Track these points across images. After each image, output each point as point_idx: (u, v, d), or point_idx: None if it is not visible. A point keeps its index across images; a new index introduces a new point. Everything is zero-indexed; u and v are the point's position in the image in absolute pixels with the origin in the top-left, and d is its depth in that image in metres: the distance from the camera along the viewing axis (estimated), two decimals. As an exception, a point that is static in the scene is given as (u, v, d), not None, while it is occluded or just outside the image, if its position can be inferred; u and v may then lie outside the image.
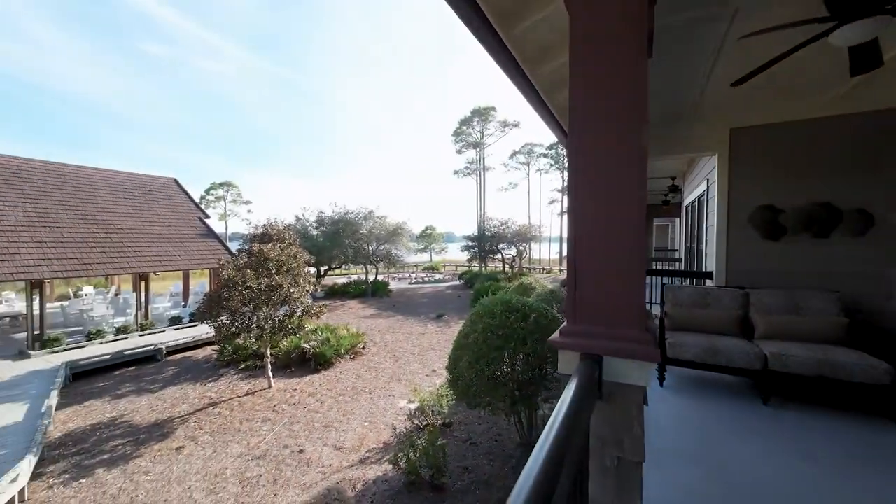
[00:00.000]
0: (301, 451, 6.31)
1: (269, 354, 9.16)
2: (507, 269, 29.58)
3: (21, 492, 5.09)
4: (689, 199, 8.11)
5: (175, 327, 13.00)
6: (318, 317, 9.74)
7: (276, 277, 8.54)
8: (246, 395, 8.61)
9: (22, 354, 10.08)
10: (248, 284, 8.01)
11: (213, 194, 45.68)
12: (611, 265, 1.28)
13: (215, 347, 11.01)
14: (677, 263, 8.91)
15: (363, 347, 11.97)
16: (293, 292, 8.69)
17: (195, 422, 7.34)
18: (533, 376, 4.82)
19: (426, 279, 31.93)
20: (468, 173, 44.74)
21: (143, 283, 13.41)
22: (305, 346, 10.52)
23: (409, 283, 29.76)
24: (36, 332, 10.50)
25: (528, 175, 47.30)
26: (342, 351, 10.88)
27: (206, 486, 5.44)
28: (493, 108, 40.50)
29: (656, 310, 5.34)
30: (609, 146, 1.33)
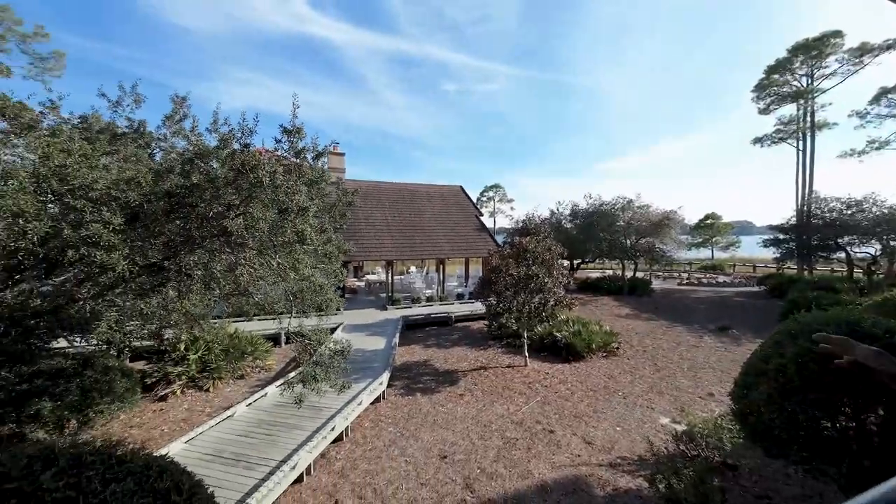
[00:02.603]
0: (551, 432, 6.72)
1: (525, 336, 10.23)
2: (856, 274, 19.41)
3: (383, 393, 8.12)
4: None
5: (460, 301, 16.73)
6: (570, 308, 9.94)
7: (533, 267, 9.35)
8: (506, 367, 10.00)
9: (383, 308, 15.91)
10: (510, 272, 9.20)
11: (485, 195, 54.89)
12: None
13: (485, 322, 13.34)
14: None
15: (617, 348, 11.20)
16: (547, 282, 9.26)
17: (471, 378, 9.25)
18: (906, 447, 3.03)
19: (704, 280, 25.84)
20: (779, 139, 31.90)
21: (441, 266, 18.06)
22: (557, 334, 10.98)
23: (679, 284, 25.02)
24: (389, 295, 16.28)
25: (919, 123, 28.70)
26: (593, 346, 10.62)
27: (478, 430, 6.80)
28: (836, 35, 26.77)
29: None
30: None
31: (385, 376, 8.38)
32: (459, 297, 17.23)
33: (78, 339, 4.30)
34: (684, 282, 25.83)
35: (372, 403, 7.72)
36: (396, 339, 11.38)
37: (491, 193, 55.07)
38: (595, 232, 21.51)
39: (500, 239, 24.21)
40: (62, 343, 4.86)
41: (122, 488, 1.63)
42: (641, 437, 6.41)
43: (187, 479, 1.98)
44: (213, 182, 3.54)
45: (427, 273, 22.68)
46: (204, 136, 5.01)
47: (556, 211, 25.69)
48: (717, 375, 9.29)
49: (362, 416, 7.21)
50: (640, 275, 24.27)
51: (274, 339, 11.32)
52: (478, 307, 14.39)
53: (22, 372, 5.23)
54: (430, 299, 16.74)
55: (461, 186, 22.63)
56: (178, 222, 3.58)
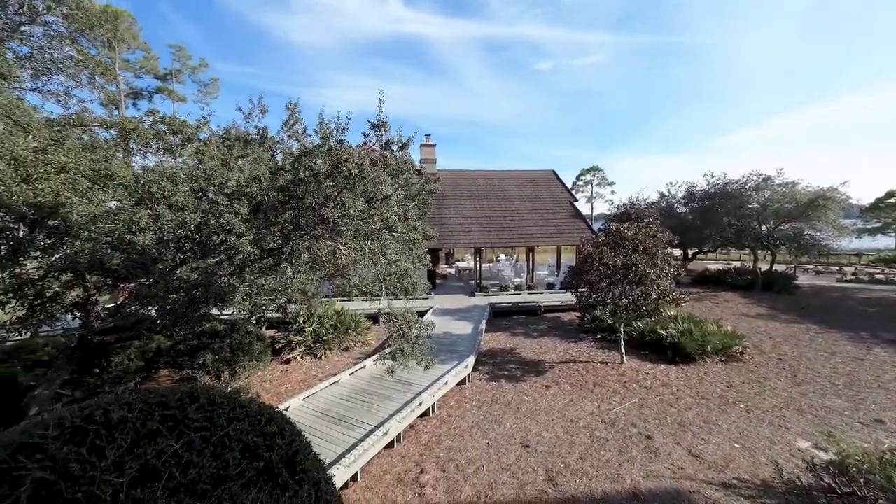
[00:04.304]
0: (649, 438, 6.09)
1: (622, 331, 9.36)
2: None
3: (468, 376, 8.35)
4: None
5: (550, 291, 16.09)
6: (678, 304, 8.74)
7: (632, 256, 8.44)
8: (599, 362, 9.33)
9: (471, 294, 16.21)
10: (604, 261, 8.47)
11: (582, 179, 51.08)
12: None
13: (577, 314, 12.59)
14: None
15: (741, 352, 9.51)
16: (649, 273, 8.27)
17: (559, 370, 8.88)
18: None
19: (880, 277, 20.08)
20: None
21: (530, 254, 17.55)
22: (662, 332, 9.80)
23: (838, 280, 19.93)
24: (477, 282, 16.50)
25: None
26: (708, 349, 9.19)
27: (563, 425, 6.53)
28: None
29: None
30: None
31: (471, 360, 8.58)
32: (550, 286, 16.55)
33: (221, 308, 5.42)
34: (847, 277, 20.38)
35: (457, 385, 8.00)
36: (483, 326, 11.52)
37: (588, 177, 50.94)
38: (717, 216, 18.32)
39: (598, 226, 22.40)
40: (215, 311, 6.15)
41: (240, 427, 2.03)
42: (767, 460, 5.38)
43: (289, 428, 2.36)
44: (315, 176, 4.03)
45: (516, 261, 22.29)
46: (311, 137, 5.71)
47: (666, 193, 22.63)
48: (893, 399, 7.22)
49: (448, 396, 7.53)
50: (779, 268, 19.97)
51: (374, 319, 12.50)
52: (569, 298, 13.62)
53: (195, 331, 6.83)
54: (518, 288, 16.46)
55: (553, 171, 21.46)
56: (289, 212, 4.18)
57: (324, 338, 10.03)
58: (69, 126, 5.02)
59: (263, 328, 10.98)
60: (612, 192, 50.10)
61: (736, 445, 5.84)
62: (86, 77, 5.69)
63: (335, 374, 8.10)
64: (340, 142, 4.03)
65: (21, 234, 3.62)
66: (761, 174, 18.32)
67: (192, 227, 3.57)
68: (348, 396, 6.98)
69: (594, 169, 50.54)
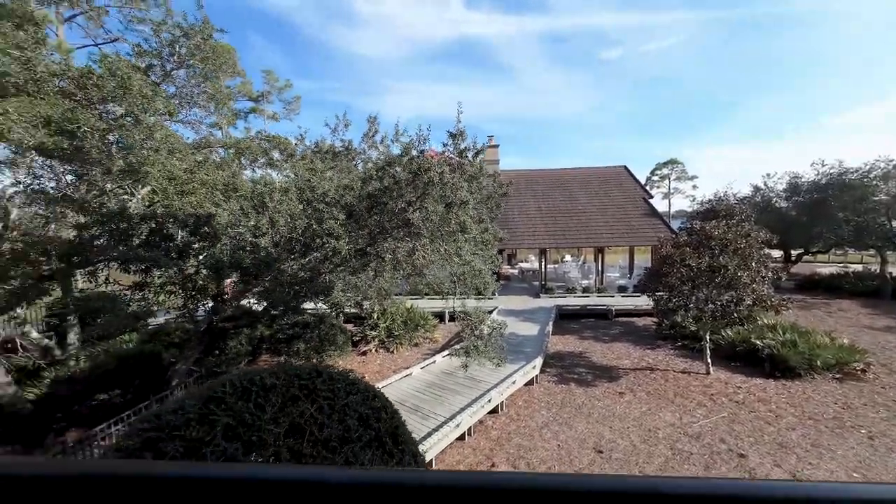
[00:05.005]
0: (742, 456, 5.58)
1: (707, 339, 8.59)
2: None
3: (535, 377, 8.32)
4: None
5: (622, 294, 15.21)
6: (777, 311, 7.79)
7: (720, 258, 7.73)
8: (681, 372, 8.67)
9: (536, 296, 15.96)
10: (687, 262, 7.87)
11: (657, 174, 47.02)
12: None
13: (654, 319, 11.78)
14: None
15: (862, 370, 8.16)
16: (741, 276, 7.51)
17: (634, 377, 8.44)
18: None
19: None
20: None
21: (599, 255, 16.75)
22: (757, 342, 8.80)
23: None
24: (542, 283, 16.19)
25: None
26: (817, 363, 8.05)
27: (640, 434, 6.24)
28: None
29: None
30: None
31: (538, 361, 8.54)
32: (621, 289, 15.64)
33: (317, 302, 6.15)
34: None
35: (525, 385, 8.03)
36: (550, 327, 11.33)
37: (665, 171, 46.69)
38: (829, 211, 15.77)
39: (677, 224, 20.63)
40: (308, 305, 6.98)
41: (355, 399, 2.43)
42: (899, 495, 4.62)
43: (390, 406, 2.72)
44: (398, 184, 4.45)
45: (583, 262, 21.40)
46: (389, 146, 6.23)
47: (762, 186, 20.01)
48: None
49: (515, 395, 7.60)
50: (918, 272, 16.51)
51: (440, 317, 12.97)
52: (644, 301, 12.78)
53: (292, 321, 7.81)
54: (586, 290, 15.82)
55: (625, 167, 20.20)
56: (375, 217, 4.66)
57: (395, 333, 10.69)
58: (202, 148, 6.18)
59: (342, 322, 12.03)
60: (694, 186, 45.39)
61: (855, 475, 5.11)
62: (213, 107, 6.94)
63: (407, 368, 8.62)
64: (422, 152, 4.40)
65: (179, 238, 4.62)
66: (891, 160, 15.36)
67: (300, 231, 4.21)
68: (421, 389, 7.41)
69: (672, 162, 46.22)
